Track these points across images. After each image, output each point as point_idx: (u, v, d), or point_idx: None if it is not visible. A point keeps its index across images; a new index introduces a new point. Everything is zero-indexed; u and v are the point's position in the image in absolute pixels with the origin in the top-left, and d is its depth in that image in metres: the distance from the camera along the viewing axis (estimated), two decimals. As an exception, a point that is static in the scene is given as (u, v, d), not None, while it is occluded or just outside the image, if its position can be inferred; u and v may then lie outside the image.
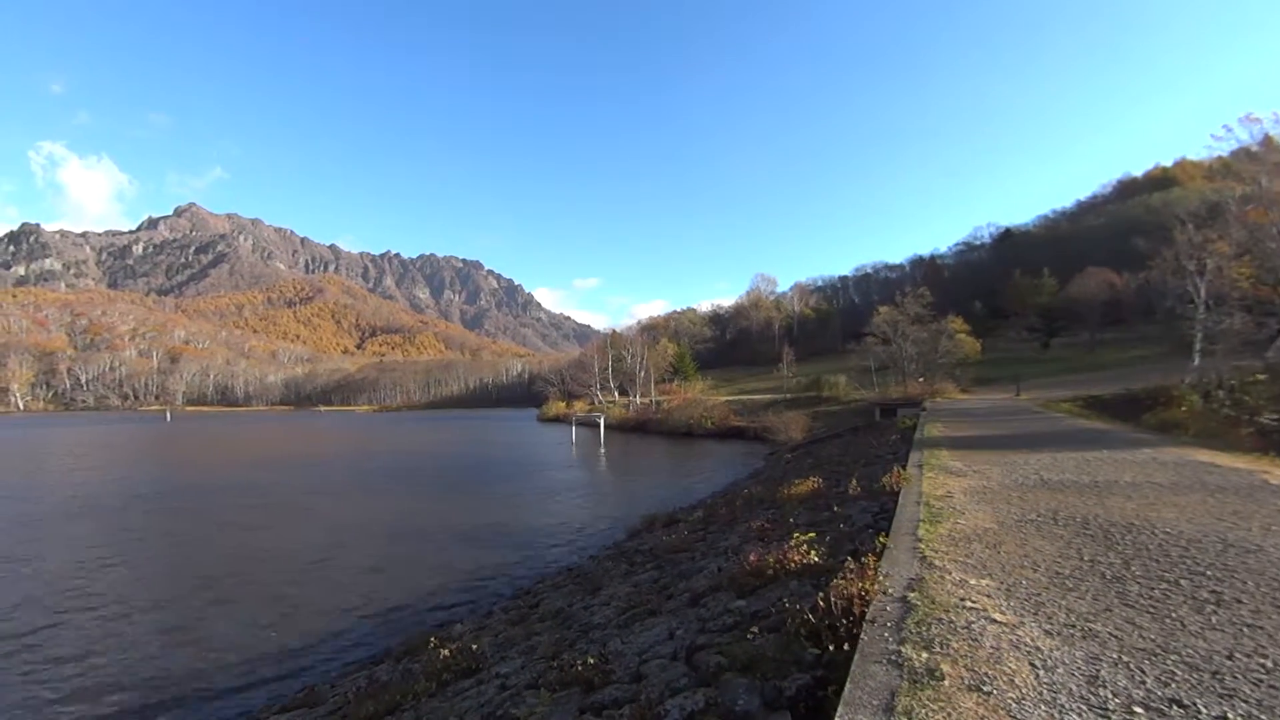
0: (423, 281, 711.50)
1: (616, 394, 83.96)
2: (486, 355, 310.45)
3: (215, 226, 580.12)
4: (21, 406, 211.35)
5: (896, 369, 53.67)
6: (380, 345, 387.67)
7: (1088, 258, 76.17)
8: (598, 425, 61.16)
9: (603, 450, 45.56)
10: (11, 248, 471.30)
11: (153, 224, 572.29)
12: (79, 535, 18.73)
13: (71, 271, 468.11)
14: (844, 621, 4.08)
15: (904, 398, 42.49)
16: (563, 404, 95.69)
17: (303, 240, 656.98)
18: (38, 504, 24.67)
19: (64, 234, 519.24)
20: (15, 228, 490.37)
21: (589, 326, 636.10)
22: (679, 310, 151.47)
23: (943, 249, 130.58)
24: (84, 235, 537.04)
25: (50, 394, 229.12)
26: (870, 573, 4.74)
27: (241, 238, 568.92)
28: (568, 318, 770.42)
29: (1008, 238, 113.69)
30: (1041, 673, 3.29)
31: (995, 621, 3.97)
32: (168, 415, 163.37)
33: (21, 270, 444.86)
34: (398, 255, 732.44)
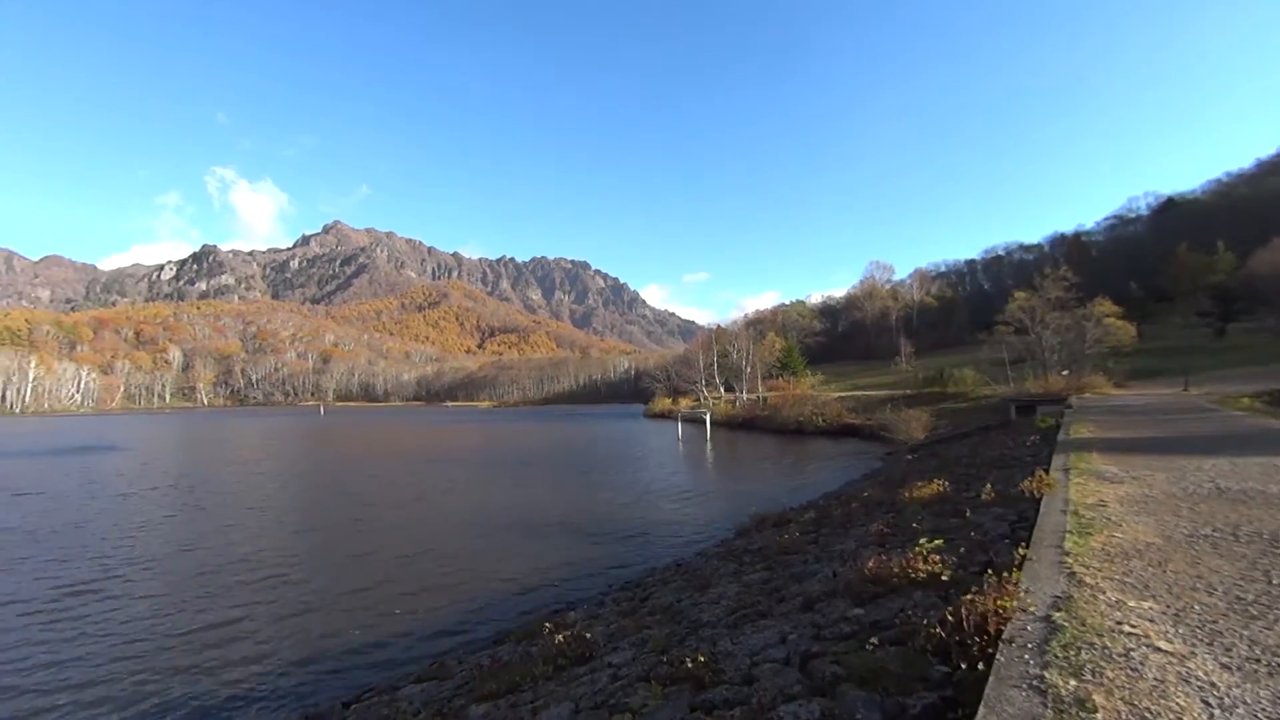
0: (535, 283, 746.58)
1: (722, 390, 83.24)
2: (594, 353, 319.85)
3: (356, 241, 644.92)
4: (206, 402, 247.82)
5: (1034, 361, 48.55)
6: (498, 345, 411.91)
7: (1273, 226, 64.21)
8: (704, 421, 60.97)
9: (709, 447, 45.37)
10: (195, 266, 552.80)
11: (305, 241, 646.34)
12: (250, 512, 21.61)
13: (242, 285, 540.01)
14: (977, 639, 3.76)
15: (1044, 393, 38.40)
16: (668, 400, 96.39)
17: (430, 249, 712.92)
18: (224, 482, 28.75)
19: (236, 253, 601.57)
20: (198, 249, 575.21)
21: (693, 322, 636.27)
22: (787, 303, 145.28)
23: (1089, 224, 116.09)
24: (251, 253, 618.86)
25: (228, 391, 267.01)
26: (1008, 588, 4.33)
27: (378, 250, 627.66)
28: (672, 314, 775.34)
29: (1170, 208, 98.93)
30: (1217, 713, 2.84)
31: (1160, 650, 3.48)
32: (321, 410, 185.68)
33: (203, 286, 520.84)
34: (512, 259, 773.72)
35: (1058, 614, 3.96)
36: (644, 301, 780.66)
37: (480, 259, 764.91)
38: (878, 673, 3.99)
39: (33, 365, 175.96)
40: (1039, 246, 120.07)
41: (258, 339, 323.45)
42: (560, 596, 12.56)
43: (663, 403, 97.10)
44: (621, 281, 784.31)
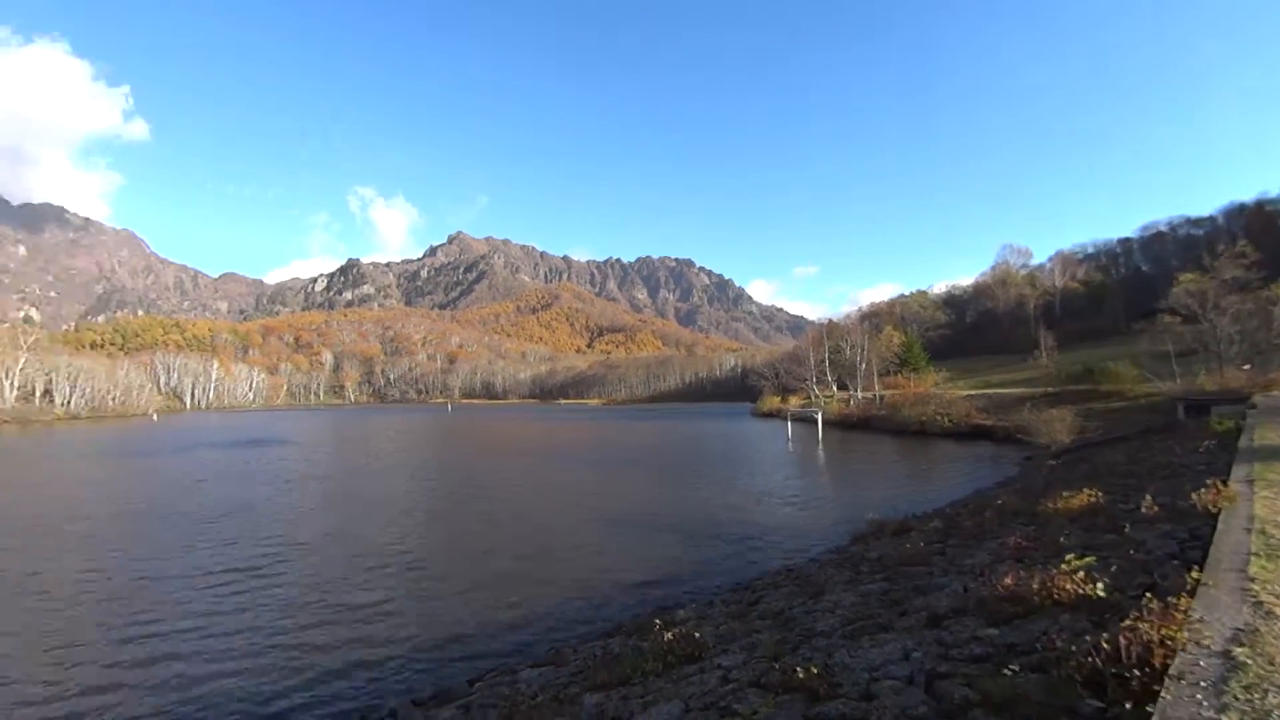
0: (640, 282, 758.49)
1: (835, 388, 79.84)
2: (700, 350, 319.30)
3: (477, 249, 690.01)
4: (352, 399, 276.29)
5: (1206, 354, 41.94)
6: (606, 344, 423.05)
7: None
8: (815, 421, 58.80)
9: (821, 447, 43.70)
10: (342, 279, 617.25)
11: (433, 251, 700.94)
12: (388, 502, 23.81)
13: (381, 294, 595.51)
14: (1138, 673, 3.33)
15: (1220, 391, 33.14)
16: (776, 398, 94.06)
17: (542, 254, 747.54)
18: (367, 474, 31.92)
19: (375, 265, 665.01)
20: (344, 263, 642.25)
21: (802, 317, 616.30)
22: (906, 294, 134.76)
23: (1273, 191, 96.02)
24: (388, 265, 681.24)
25: (370, 389, 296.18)
26: (1177, 615, 3.80)
27: (496, 257, 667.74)
28: (780, 309, 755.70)
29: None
30: None
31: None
32: (448, 406, 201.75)
33: (349, 295, 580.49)
34: (618, 260, 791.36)
35: (1239, 649, 3.41)
36: (749, 297, 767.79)
37: (588, 261, 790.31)
38: (1016, 700, 3.66)
39: (215, 368, 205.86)
40: (1210, 220, 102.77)
41: (394, 342, 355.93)
42: (668, 594, 12.68)
43: (771, 401, 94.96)
44: (726, 278, 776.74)
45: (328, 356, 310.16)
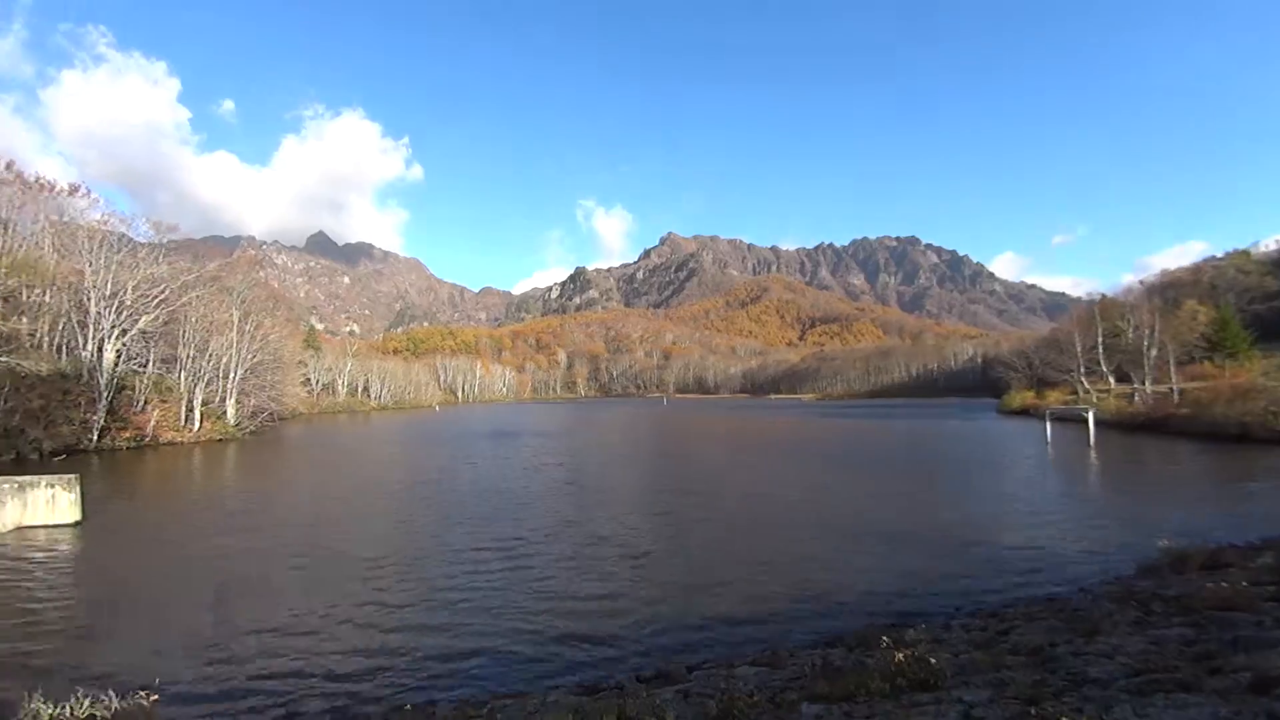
0: (856, 267, 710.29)
1: (1112, 380, 65.83)
2: (929, 339, 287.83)
3: (686, 248, 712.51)
4: (583, 393, 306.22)
5: None
6: (819, 335, 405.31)
7: None
8: (1084, 421, 49.14)
9: (1093, 454, 36.43)
10: (571, 286, 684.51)
11: (646, 254, 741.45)
12: (619, 493, 25.91)
13: (604, 297, 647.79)
14: None
15: None
16: (1029, 393, 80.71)
17: (749, 246, 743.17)
18: (598, 464, 35.14)
19: (598, 271, 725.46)
20: (572, 271, 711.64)
21: (1062, 294, 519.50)
22: (1219, 256, 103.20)
23: None
24: (609, 270, 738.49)
25: (596, 385, 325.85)
26: None
27: (705, 254, 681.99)
28: (1031, 286, 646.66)
29: None
30: None
31: None
32: (664, 400, 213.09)
33: (578, 300, 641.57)
34: (830, 245, 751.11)
35: None
36: (991, 275, 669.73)
37: (797, 249, 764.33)
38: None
39: (477, 367, 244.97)
40: None
41: (616, 341, 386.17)
42: (895, 609, 11.79)
43: (1022, 396, 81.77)
44: (960, 254, 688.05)
45: (562, 356, 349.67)
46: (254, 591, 13.51)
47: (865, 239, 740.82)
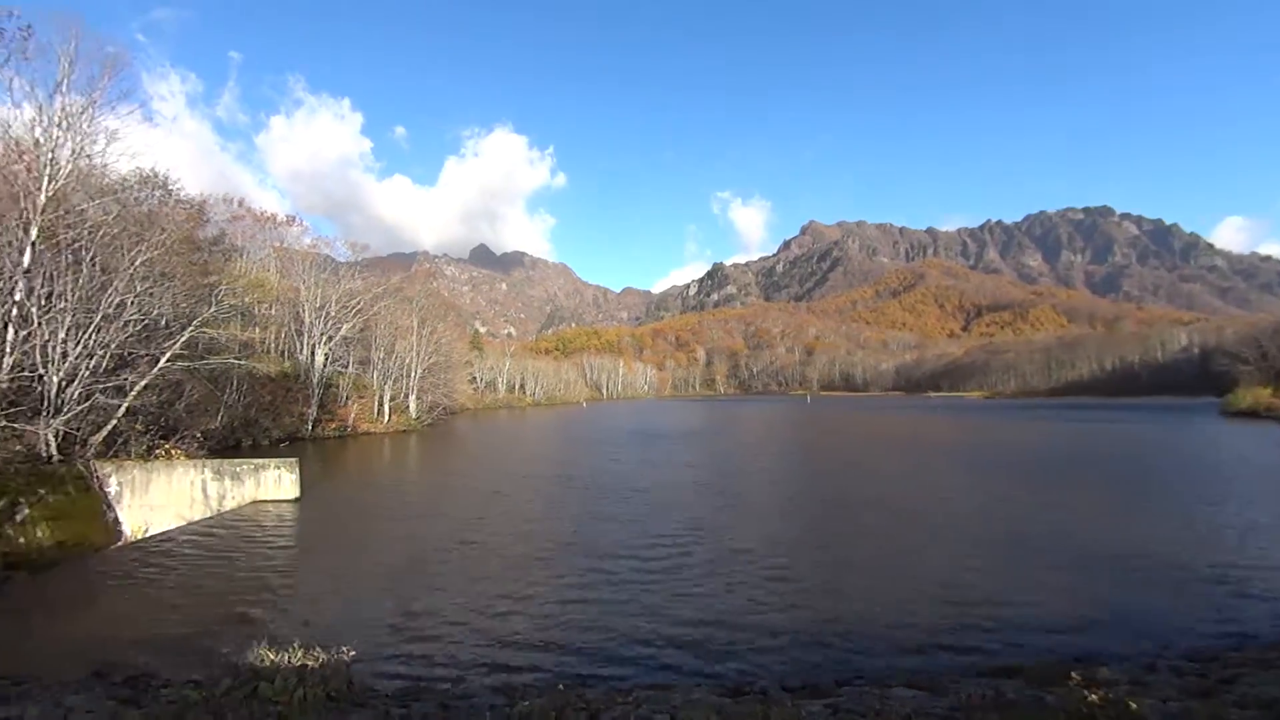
0: (1031, 246, 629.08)
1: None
2: (1127, 325, 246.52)
3: (829, 236, 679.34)
4: (722, 391, 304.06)
5: None
6: (987, 325, 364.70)
7: None
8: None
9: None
10: (709, 282, 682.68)
11: (786, 245, 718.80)
12: (764, 495, 25.31)
13: (742, 293, 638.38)
14: None
15: None
16: (1265, 390, 66.16)
17: (901, 230, 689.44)
18: (744, 463, 34.67)
19: (735, 265, 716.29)
20: (709, 268, 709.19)
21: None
22: None
23: None
24: (747, 264, 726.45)
25: (736, 382, 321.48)
26: None
27: (850, 241, 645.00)
28: (1266, 258, 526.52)
29: None
30: None
31: None
32: (807, 398, 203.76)
33: (715, 297, 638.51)
34: (999, 222, 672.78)
35: None
36: (1209, 246, 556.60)
37: (959, 230, 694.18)
38: None
39: (620, 366, 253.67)
40: None
41: (755, 337, 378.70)
42: (1084, 642, 10.21)
43: (1255, 394, 67.31)
44: (1167, 223, 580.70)
45: (701, 353, 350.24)
46: (432, 567, 15.14)
47: (1043, 213, 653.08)
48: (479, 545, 17.18)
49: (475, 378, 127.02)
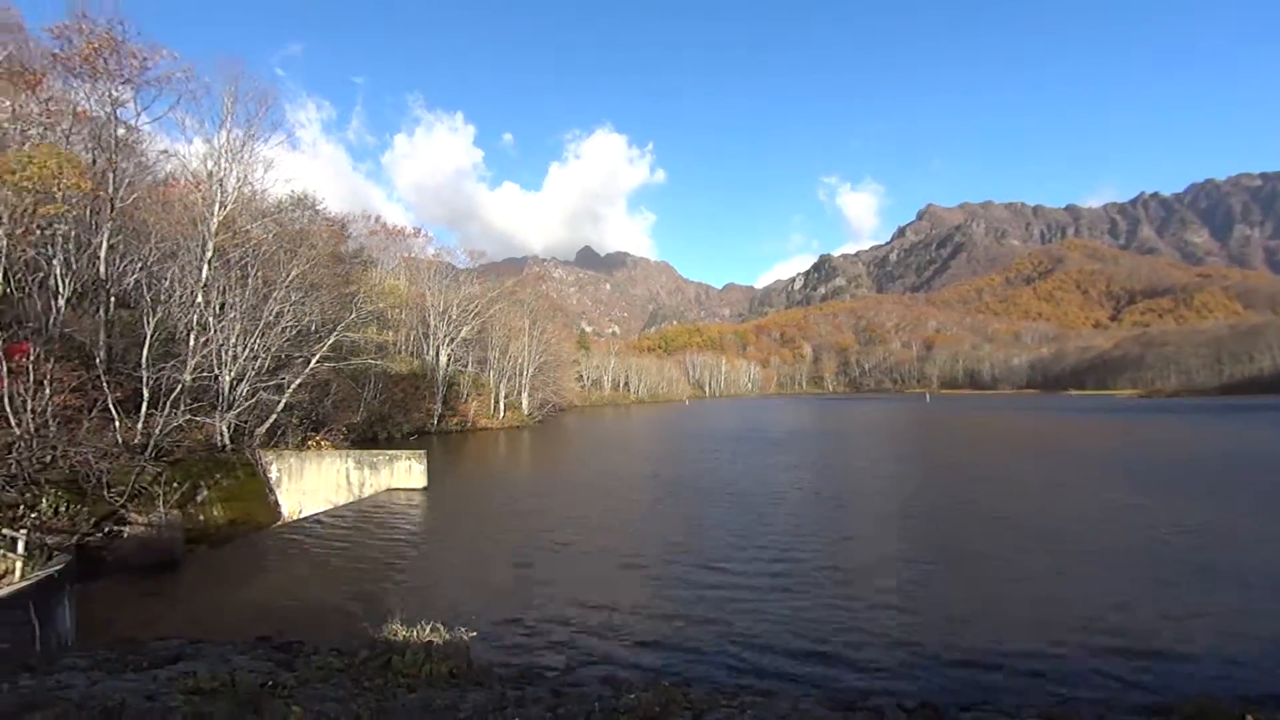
0: (1196, 220, 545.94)
1: None
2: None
3: (950, 220, 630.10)
4: (830, 389, 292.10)
5: None
6: (1141, 313, 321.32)
7: None
8: None
9: None
10: (816, 275, 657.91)
11: (901, 232, 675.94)
12: (884, 504, 23.97)
13: (852, 285, 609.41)
14: None
15: None
16: None
17: (1034, 209, 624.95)
18: (854, 473, 33.08)
19: (844, 256, 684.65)
20: (816, 260, 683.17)
21: None
22: None
23: None
24: (857, 254, 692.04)
25: (846, 379, 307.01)
26: None
27: (974, 224, 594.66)
28: None
29: None
30: None
31: None
32: (926, 397, 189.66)
33: (823, 290, 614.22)
34: (1154, 195, 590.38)
35: None
36: None
37: (1105, 206, 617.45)
38: None
39: (723, 363, 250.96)
40: None
41: (867, 331, 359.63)
42: (1255, 681, 8.69)
43: None
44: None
45: (807, 349, 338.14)
46: (546, 558, 15.81)
47: (1209, 182, 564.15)
48: (589, 540, 17.68)
49: (582, 376, 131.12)
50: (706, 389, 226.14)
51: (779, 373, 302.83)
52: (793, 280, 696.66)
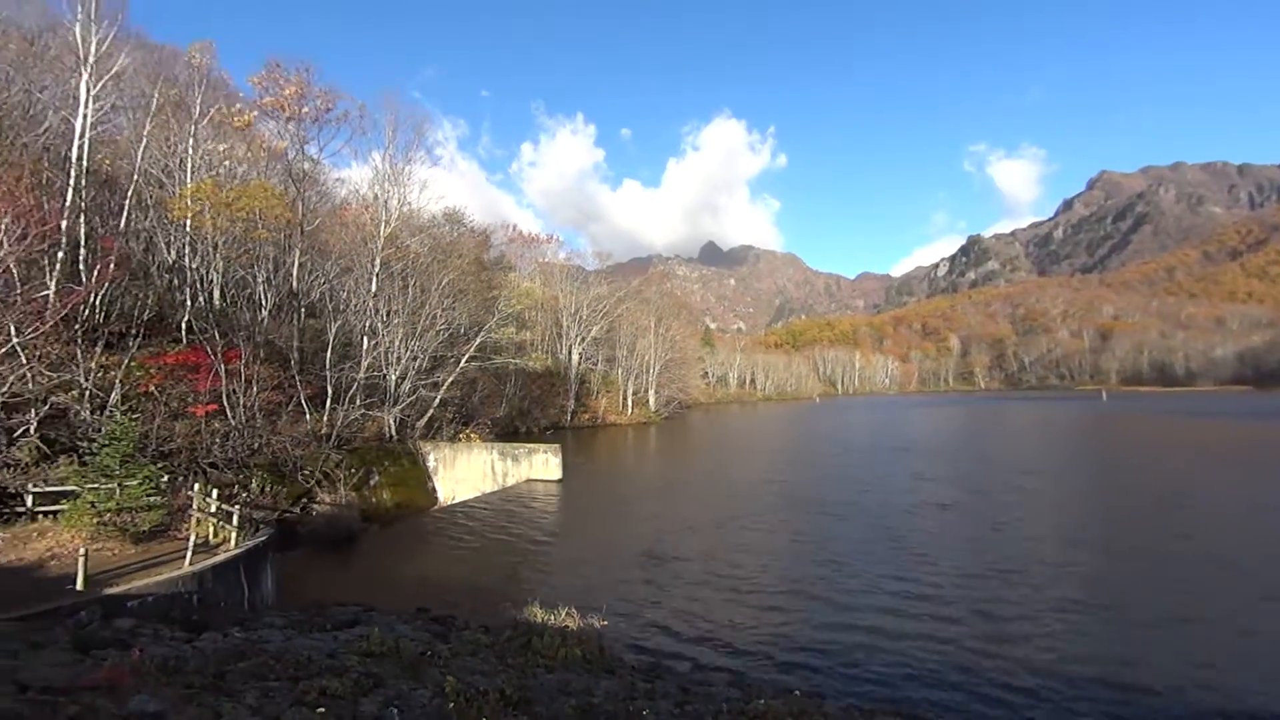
0: None
1: None
2: None
3: (1129, 187, 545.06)
4: (983, 386, 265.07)
5: None
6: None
7: None
8: None
9: None
10: (964, 259, 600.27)
11: (1068, 206, 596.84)
12: (1044, 523, 21.41)
13: (1007, 268, 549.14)
14: None
15: None
16: None
17: (1240, 169, 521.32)
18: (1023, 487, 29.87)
19: (997, 236, 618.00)
20: (964, 242, 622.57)
21: None
22: None
23: None
24: (1012, 234, 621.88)
25: (1001, 375, 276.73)
26: None
27: (1161, 190, 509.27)
28: None
29: None
30: None
31: None
32: (1102, 395, 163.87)
33: (972, 275, 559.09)
34: None
35: None
36: None
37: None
38: None
39: (857, 358, 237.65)
40: None
41: (1026, 320, 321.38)
42: None
43: None
44: None
45: (954, 342, 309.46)
46: (674, 553, 16.01)
47: None
48: (715, 540, 17.62)
49: (707, 373, 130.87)
50: (839, 386, 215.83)
51: (921, 368, 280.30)
52: (936, 266, 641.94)
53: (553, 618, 8.93)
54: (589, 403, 60.39)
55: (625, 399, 65.31)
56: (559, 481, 26.95)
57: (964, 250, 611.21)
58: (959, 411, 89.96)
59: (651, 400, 70.02)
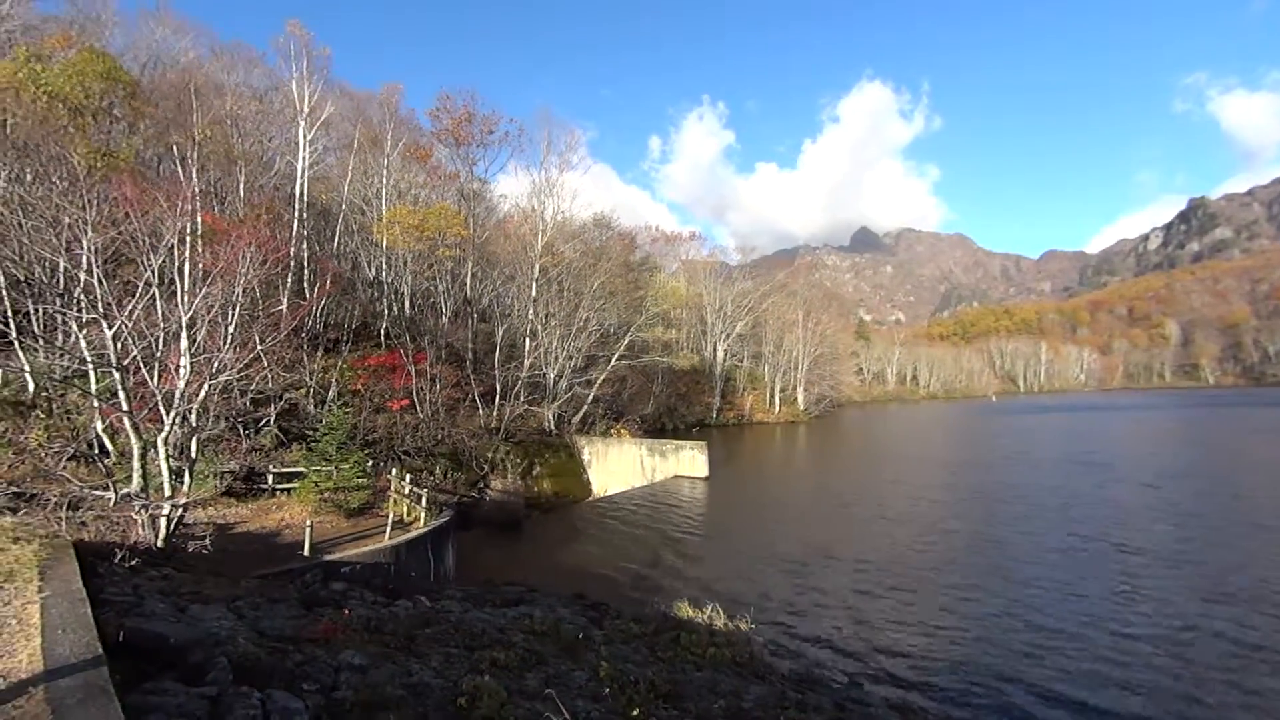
0: None
1: None
2: None
3: None
4: (1210, 380, 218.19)
5: None
6: None
7: None
8: None
9: None
10: (1183, 227, 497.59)
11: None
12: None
13: (1243, 235, 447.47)
14: None
15: None
16: None
17: None
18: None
19: (1229, 197, 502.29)
20: (1184, 206, 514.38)
21: None
22: None
23: None
24: (1249, 193, 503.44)
25: (1235, 367, 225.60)
26: None
27: None
28: None
29: None
30: None
31: None
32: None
33: (1195, 246, 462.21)
34: None
35: None
36: None
37: None
38: None
39: (1043, 350, 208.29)
40: None
41: (1271, 299, 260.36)
42: None
43: None
44: None
45: (1172, 328, 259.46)
46: (825, 561, 15.37)
47: None
48: (869, 550, 16.57)
49: (861, 369, 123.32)
50: (1020, 382, 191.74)
51: (1127, 360, 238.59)
52: (1145, 237, 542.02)
53: (701, 615, 9.03)
54: (735, 400, 59.89)
55: (772, 396, 63.75)
56: (705, 479, 27.10)
57: (1183, 216, 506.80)
58: (1206, 416, 70.41)
59: (800, 398, 67.54)
